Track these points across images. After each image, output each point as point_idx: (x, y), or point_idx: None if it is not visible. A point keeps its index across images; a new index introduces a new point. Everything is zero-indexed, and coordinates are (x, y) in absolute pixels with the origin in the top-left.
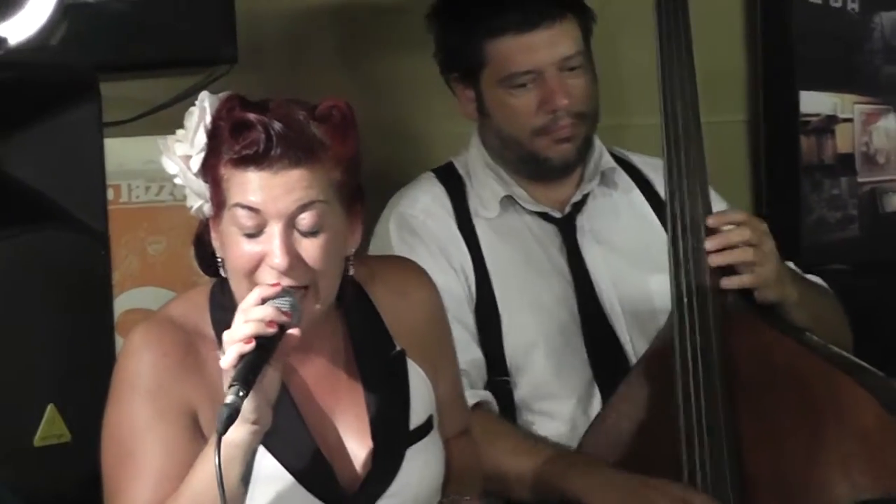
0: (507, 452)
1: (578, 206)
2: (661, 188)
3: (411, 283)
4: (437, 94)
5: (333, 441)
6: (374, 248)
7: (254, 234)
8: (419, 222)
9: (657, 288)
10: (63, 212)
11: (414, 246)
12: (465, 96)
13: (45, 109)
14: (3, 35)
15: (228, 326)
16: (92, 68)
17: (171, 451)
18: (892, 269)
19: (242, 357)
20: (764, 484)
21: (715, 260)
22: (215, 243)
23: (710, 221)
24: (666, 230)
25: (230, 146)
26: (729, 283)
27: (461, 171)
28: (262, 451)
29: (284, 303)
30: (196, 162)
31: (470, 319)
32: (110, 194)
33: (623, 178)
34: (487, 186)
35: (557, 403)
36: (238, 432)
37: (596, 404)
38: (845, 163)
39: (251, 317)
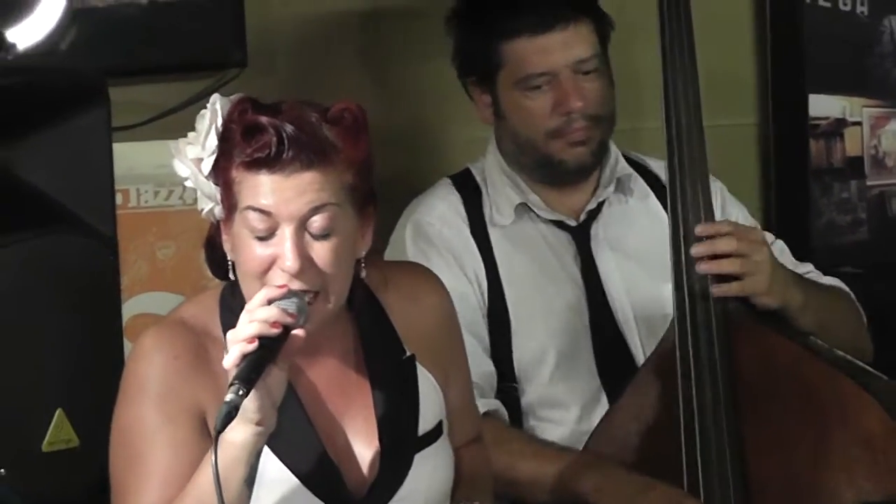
0: (521, 456)
1: (594, 214)
2: None
3: (424, 289)
4: (450, 99)
5: (341, 444)
6: (390, 255)
7: (265, 237)
8: (435, 230)
9: (671, 296)
10: (72, 216)
11: (429, 254)
12: (482, 100)
13: (55, 114)
14: (13, 40)
15: None
16: (101, 73)
17: (179, 454)
18: None
19: (245, 356)
20: (768, 489)
21: (701, 268)
22: (226, 246)
23: (699, 230)
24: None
25: (242, 149)
26: (718, 291)
27: (478, 178)
28: (267, 453)
29: (291, 304)
30: (207, 165)
31: (483, 331)
32: (119, 199)
33: (639, 184)
34: (503, 193)
35: (563, 411)
36: (241, 433)
37: (601, 413)
38: (854, 166)
39: (256, 317)
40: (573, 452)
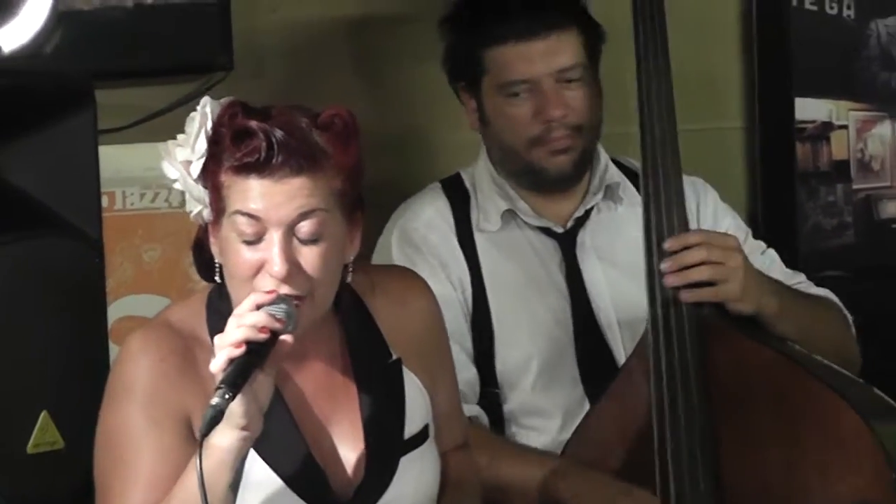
0: (501, 460)
1: (581, 221)
2: None
3: (411, 293)
4: (440, 103)
5: (328, 448)
6: (377, 260)
7: (253, 242)
8: (420, 236)
9: None
10: (58, 219)
11: (414, 259)
12: (470, 106)
13: (41, 117)
14: None
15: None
16: (87, 75)
17: (165, 457)
18: (888, 275)
19: (232, 361)
20: (742, 492)
21: (669, 281)
22: (214, 249)
23: (667, 245)
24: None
25: (231, 153)
26: (689, 296)
27: (467, 183)
28: (253, 456)
29: (279, 310)
30: (196, 168)
31: (467, 338)
32: (105, 201)
33: (629, 191)
34: (491, 199)
35: (545, 419)
36: (227, 437)
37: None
38: (841, 170)
39: (243, 322)
40: (553, 457)
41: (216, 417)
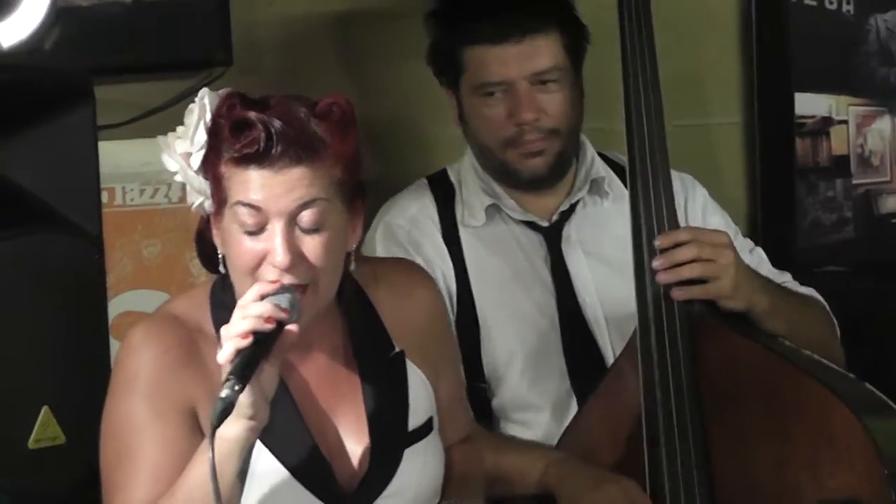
0: (486, 450)
1: (566, 215)
2: None
3: (415, 285)
4: (434, 98)
5: (332, 439)
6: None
7: (255, 232)
8: (404, 232)
9: None
10: (57, 215)
11: (397, 255)
12: (451, 102)
13: (40, 113)
14: None
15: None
16: (86, 71)
17: (169, 449)
18: (888, 271)
19: (239, 352)
20: (733, 489)
21: (661, 278)
22: (216, 240)
23: (658, 242)
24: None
25: (230, 144)
26: (680, 294)
27: (453, 179)
28: (259, 447)
29: (283, 299)
30: (196, 159)
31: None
32: (105, 197)
33: (616, 185)
34: (475, 195)
35: (534, 414)
36: (234, 428)
37: (572, 415)
38: (840, 165)
39: (249, 313)
40: (540, 446)
41: (227, 409)
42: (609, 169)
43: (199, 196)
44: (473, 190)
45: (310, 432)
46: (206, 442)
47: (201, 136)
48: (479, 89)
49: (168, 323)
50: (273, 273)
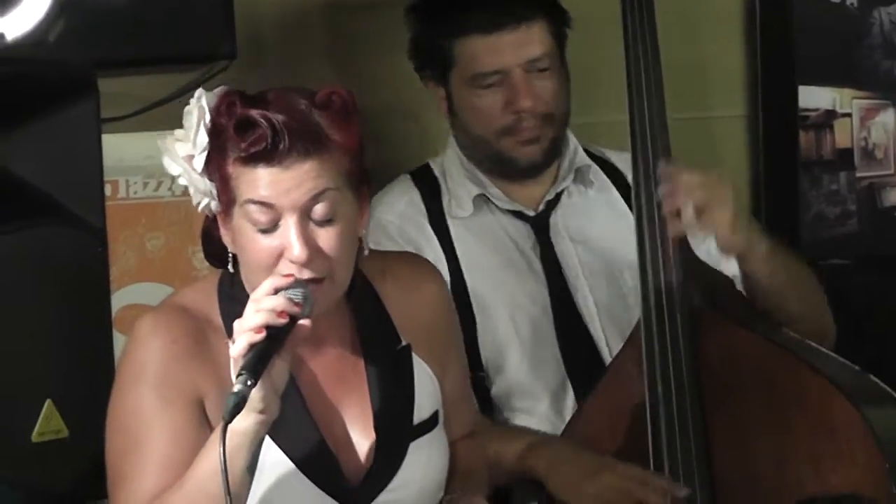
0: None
1: (552, 204)
2: None
3: (423, 279)
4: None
5: (339, 433)
6: None
7: (268, 230)
8: (395, 227)
9: (633, 284)
10: (61, 207)
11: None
12: (438, 95)
13: (43, 105)
14: (0, 31)
15: (237, 316)
16: (90, 64)
17: (177, 439)
18: (891, 264)
19: (252, 346)
20: (734, 481)
21: (666, 205)
22: (226, 239)
23: (661, 171)
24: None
25: (236, 144)
26: (677, 227)
27: (437, 172)
28: (267, 441)
29: (297, 294)
30: (200, 161)
31: None
32: (108, 190)
33: (599, 175)
34: (462, 186)
35: (533, 401)
36: (245, 421)
37: (570, 401)
38: (844, 158)
39: (263, 306)
40: (529, 431)
41: (239, 404)
42: (590, 160)
43: (204, 197)
44: (460, 181)
45: (317, 426)
46: (215, 434)
47: (203, 138)
48: (474, 81)
49: (176, 314)
50: (290, 268)
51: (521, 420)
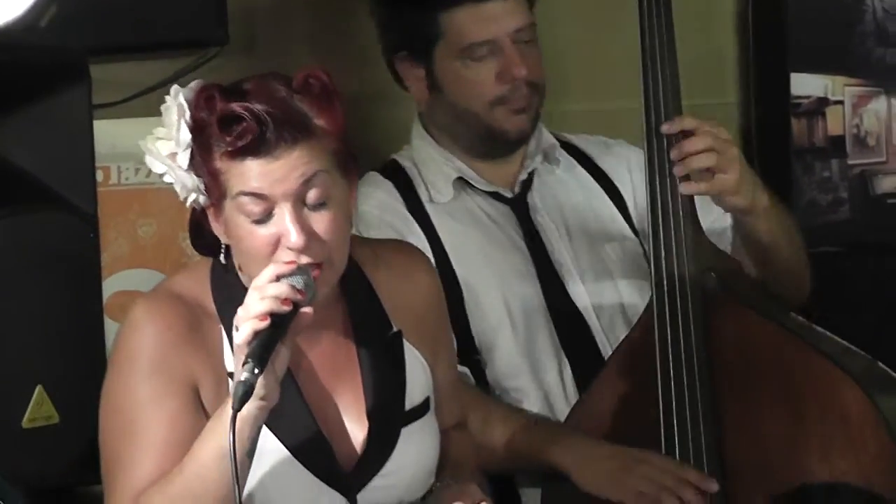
0: (480, 423)
1: (527, 184)
2: (602, 163)
3: (414, 267)
4: None
5: (332, 419)
6: None
7: (263, 220)
8: (375, 217)
9: (614, 257)
10: (53, 194)
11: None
12: (414, 75)
13: (35, 91)
14: None
15: (231, 303)
16: (82, 50)
17: (174, 424)
18: (883, 251)
19: (257, 334)
20: (744, 467)
21: (677, 170)
22: (217, 231)
23: (664, 128)
24: (646, 217)
25: (221, 139)
26: (687, 188)
27: (406, 164)
28: (263, 428)
29: (299, 280)
30: (184, 158)
31: None
32: (100, 176)
33: (564, 155)
34: (439, 171)
35: (528, 380)
36: (247, 407)
37: (567, 378)
38: (836, 145)
39: (267, 293)
40: (536, 418)
41: (248, 393)
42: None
43: (191, 192)
44: (435, 167)
45: (311, 414)
46: (213, 421)
47: (185, 135)
48: (465, 52)
49: (170, 300)
50: (289, 255)
51: (518, 399)
